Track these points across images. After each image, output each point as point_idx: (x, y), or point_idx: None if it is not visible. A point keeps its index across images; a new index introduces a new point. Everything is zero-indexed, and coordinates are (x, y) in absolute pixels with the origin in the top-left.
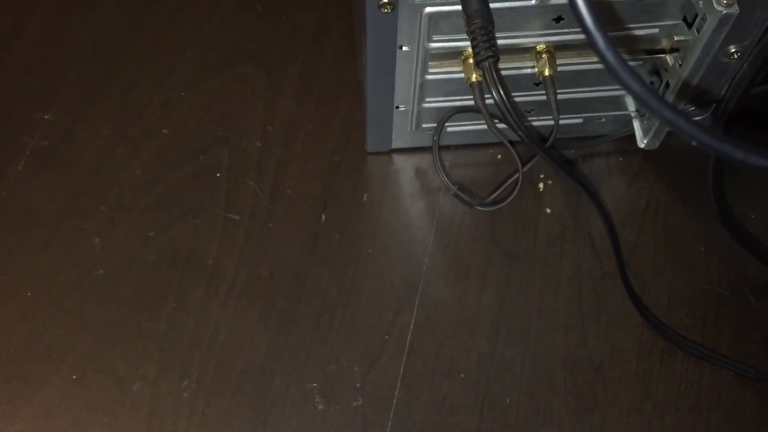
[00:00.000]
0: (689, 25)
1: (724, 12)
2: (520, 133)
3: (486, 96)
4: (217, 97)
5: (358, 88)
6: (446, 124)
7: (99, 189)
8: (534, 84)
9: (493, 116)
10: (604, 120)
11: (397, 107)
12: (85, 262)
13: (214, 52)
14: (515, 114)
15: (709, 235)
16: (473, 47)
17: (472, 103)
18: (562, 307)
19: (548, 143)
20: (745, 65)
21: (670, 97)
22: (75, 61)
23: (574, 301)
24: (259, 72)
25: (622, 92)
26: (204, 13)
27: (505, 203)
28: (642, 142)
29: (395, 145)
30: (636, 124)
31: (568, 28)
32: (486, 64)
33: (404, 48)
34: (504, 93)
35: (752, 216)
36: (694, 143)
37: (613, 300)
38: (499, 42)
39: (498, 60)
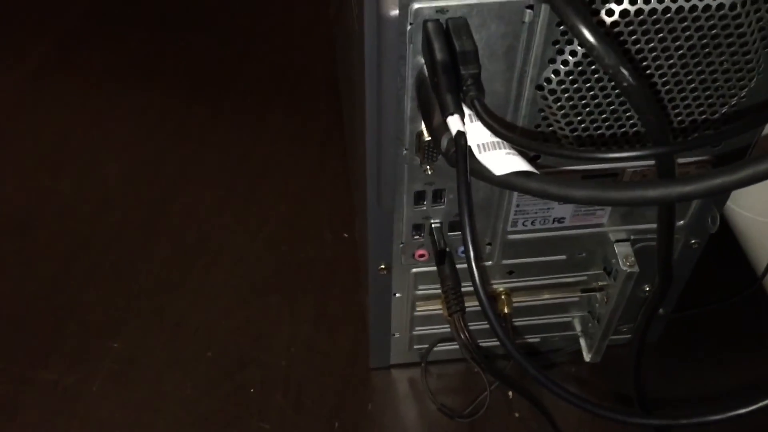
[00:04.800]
0: (608, 274)
1: (628, 271)
2: (478, 368)
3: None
4: (251, 323)
5: (362, 315)
6: (436, 347)
7: (158, 406)
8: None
9: (466, 347)
10: (557, 338)
11: (394, 335)
12: None
13: (248, 286)
14: (477, 352)
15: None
16: (445, 302)
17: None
18: None
19: (506, 370)
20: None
21: (602, 326)
22: (138, 297)
23: None
24: (284, 301)
25: (569, 318)
26: (238, 255)
27: (477, 416)
28: (587, 357)
29: (394, 361)
30: (582, 342)
31: (519, 278)
32: (455, 316)
33: (397, 294)
34: (469, 335)
35: None
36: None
37: None
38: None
39: (464, 312)
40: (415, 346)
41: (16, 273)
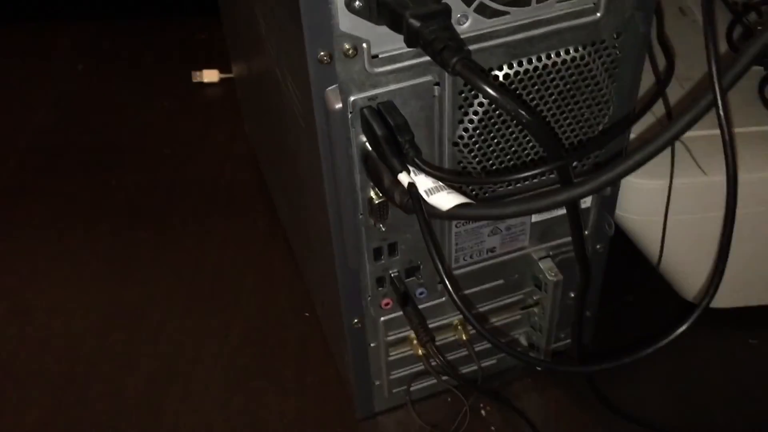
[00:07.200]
0: (540, 288)
1: (555, 280)
2: (453, 388)
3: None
4: (244, 408)
5: (341, 376)
6: (412, 386)
7: None
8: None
9: (439, 374)
10: (510, 357)
11: (375, 382)
12: None
13: (232, 377)
14: (452, 370)
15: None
16: (416, 336)
17: (423, 367)
18: None
19: (478, 382)
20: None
21: (544, 334)
22: (132, 412)
23: None
24: (268, 384)
25: (517, 335)
26: (216, 352)
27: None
28: (538, 366)
29: (378, 408)
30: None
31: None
32: (428, 345)
33: (372, 344)
34: (443, 358)
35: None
36: None
37: None
38: (431, 325)
39: (434, 341)
40: (394, 390)
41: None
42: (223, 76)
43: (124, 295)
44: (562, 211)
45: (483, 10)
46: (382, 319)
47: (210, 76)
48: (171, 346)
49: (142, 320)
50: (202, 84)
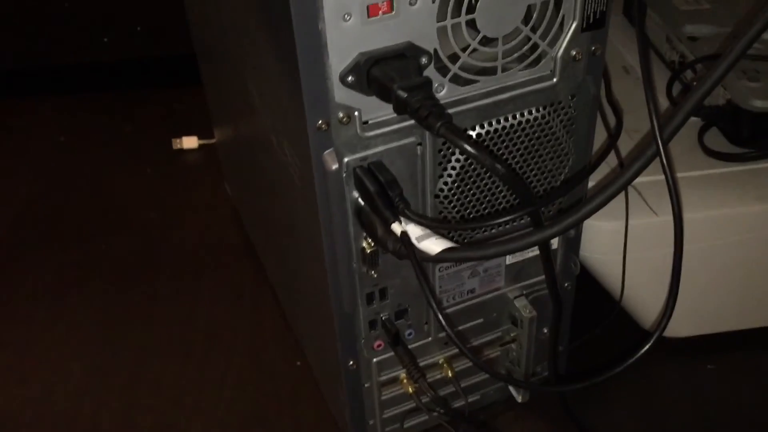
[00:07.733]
0: (516, 325)
1: (529, 316)
2: (446, 414)
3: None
4: None
5: (335, 419)
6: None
7: None
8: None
9: (430, 410)
10: (492, 391)
11: (369, 422)
12: None
13: (231, 427)
14: (443, 404)
15: None
16: (407, 373)
17: (414, 404)
18: None
19: (466, 414)
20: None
21: (522, 368)
22: None
23: None
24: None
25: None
26: (213, 404)
27: None
28: (518, 398)
29: None
30: (511, 389)
31: (453, 346)
32: (420, 381)
33: (366, 385)
34: (435, 393)
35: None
36: None
37: None
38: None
39: (425, 377)
40: (388, 429)
41: None
42: (202, 142)
43: (120, 355)
44: (533, 253)
45: (457, 80)
46: (375, 360)
47: (189, 143)
48: (169, 402)
49: (138, 378)
50: (182, 150)
